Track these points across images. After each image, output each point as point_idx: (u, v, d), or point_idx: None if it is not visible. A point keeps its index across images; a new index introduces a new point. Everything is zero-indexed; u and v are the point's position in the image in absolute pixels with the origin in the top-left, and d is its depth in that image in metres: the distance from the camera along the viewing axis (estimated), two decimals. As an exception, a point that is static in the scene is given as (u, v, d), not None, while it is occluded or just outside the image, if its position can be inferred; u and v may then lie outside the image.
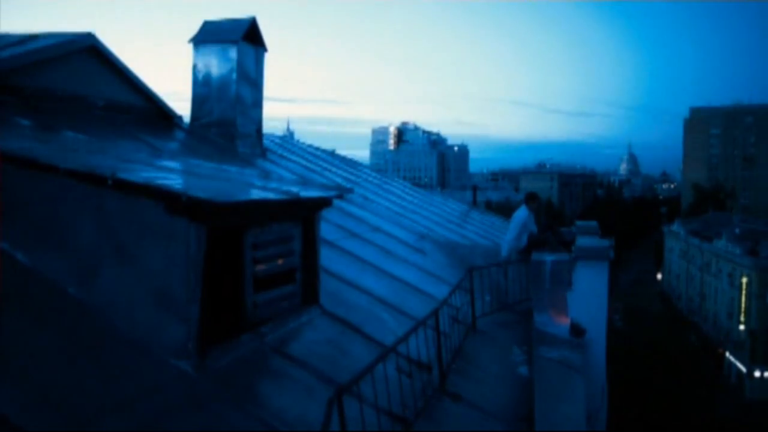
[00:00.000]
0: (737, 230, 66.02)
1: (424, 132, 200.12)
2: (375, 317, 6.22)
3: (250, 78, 10.55)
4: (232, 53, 10.14)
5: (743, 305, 57.20)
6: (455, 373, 5.76)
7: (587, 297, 7.60)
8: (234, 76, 10.17)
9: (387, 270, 7.84)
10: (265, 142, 11.56)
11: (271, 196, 4.86)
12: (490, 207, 54.34)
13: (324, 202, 5.65)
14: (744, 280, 57.25)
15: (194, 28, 10.38)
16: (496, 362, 6.76)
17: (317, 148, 15.90)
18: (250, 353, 4.43)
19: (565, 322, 7.04)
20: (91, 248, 4.17)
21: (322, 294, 5.68)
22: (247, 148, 10.49)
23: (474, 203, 23.46)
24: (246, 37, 10.27)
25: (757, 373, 53.76)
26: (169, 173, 5.34)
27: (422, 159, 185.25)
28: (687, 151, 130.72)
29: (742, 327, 56.86)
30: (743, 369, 55.36)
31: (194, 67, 10.38)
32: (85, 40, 7.87)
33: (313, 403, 4.04)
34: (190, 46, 10.31)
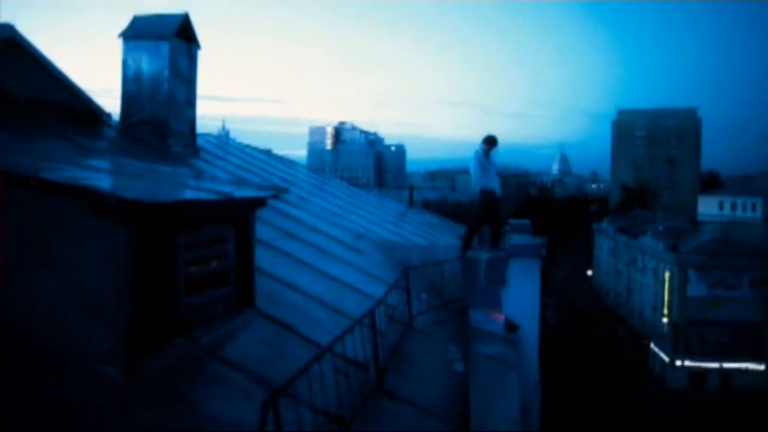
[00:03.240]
0: (660, 227, 69.14)
1: (361, 132, 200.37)
2: (311, 317, 6.20)
3: (183, 75, 10.30)
4: (164, 50, 9.87)
5: (666, 298, 59.96)
6: (392, 371, 5.79)
7: (521, 294, 7.79)
8: (166, 73, 9.90)
9: (324, 270, 7.82)
10: (200, 141, 11.31)
11: (203, 196, 4.76)
12: (428, 206, 54.90)
13: (259, 202, 5.58)
14: (667, 274, 60.02)
15: (124, 22, 10.05)
16: (432, 360, 6.84)
17: (253, 148, 15.67)
18: (183, 357, 4.33)
19: (499, 318, 7.21)
20: (12, 251, 3.98)
21: (258, 295, 5.61)
22: (180, 147, 10.24)
23: (411, 203, 23.64)
24: (178, 33, 10.02)
25: (678, 363, 56.47)
26: (97, 173, 5.15)
27: (360, 159, 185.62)
28: (615, 151, 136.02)
29: (665, 319, 59.59)
30: (666, 359, 58.07)
31: (124, 63, 10.04)
32: (3, 31, 7.49)
33: (249, 405, 3.99)
34: (120, 41, 9.97)
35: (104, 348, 3.80)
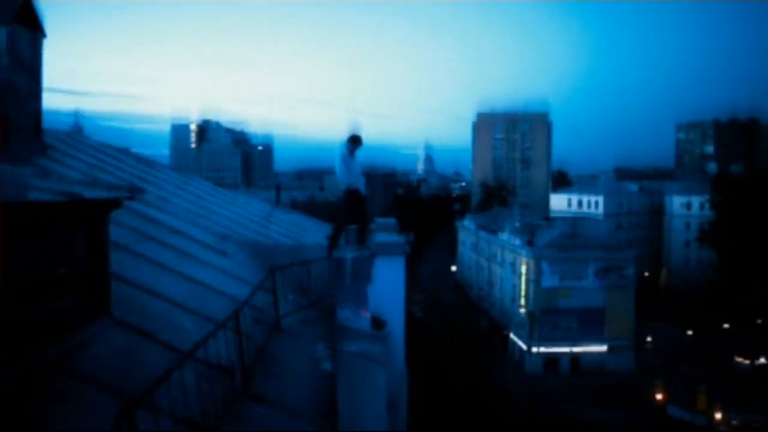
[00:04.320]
0: (517, 224, 73.81)
1: (227, 130, 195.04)
2: (173, 324, 5.94)
3: (26, 65, 9.44)
4: (1, 36, 8.98)
5: (523, 290, 64.12)
6: (259, 374, 5.71)
7: (386, 290, 7.96)
8: (4, 61, 9.02)
9: (186, 273, 7.53)
10: (47, 137, 10.43)
11: (48, 197, 4.40)
12: (296, 206, 54.65)
13: (113, 204, 5.26)
14: (523, 268, 64.19)
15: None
16: (301, 360, 6.82)
17: (109, 146, 14.72)
18: (26, 375, 3.98)
19: (366, 315, 7.32)
20: None
21: (113, 303, 5.29)
22: (22, 143, 9.37)
23: (278, 202, 23.38)
24: (19, 18, 9.16)
25: (534, 349, 60.63)
26: None
27: (226, 158, 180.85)
28: (475, 152, 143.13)
29: (522, 310, 63.71)
30: (524, 347, 62.09)
31: (-49, 50, 9.02)
32: None
33: (105, 421, 3.75)
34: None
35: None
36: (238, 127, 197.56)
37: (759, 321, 73.72)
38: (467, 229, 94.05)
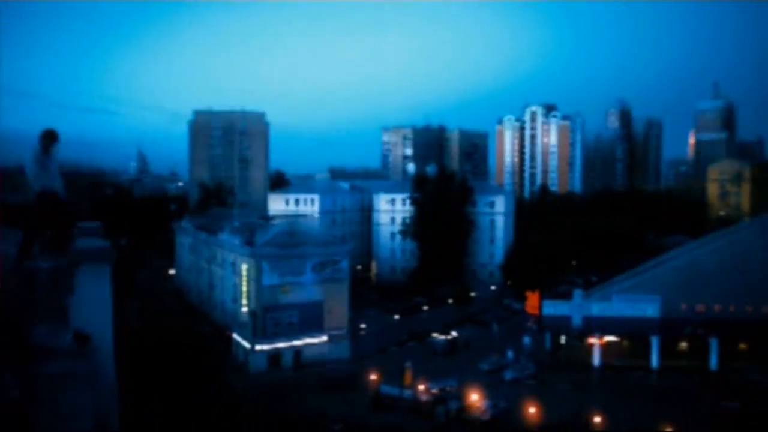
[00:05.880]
0: (237, 223, 73.73)
1: None
2: None
3: None
4: None
5: (244, 290, 64.29)
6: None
7: (91, 301, 7.32)
8: None
9: None
10: None
11: None
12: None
13: None
14: (244, 267, 64.33)
15: None
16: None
17: None
18: None
19: (66, 331, 6.64)
20: None
21: None
22: None
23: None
24: None
25: (258, 347, 61.30)
26: None
27: None
28: (193, 151, 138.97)
29: (244, 309, 63.83)
30: (247, 346, 62.30)
31: None
32: None
33: None
34: None
35: None
36: None
37: (450, 301, 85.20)
38: (185, 231, 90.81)
